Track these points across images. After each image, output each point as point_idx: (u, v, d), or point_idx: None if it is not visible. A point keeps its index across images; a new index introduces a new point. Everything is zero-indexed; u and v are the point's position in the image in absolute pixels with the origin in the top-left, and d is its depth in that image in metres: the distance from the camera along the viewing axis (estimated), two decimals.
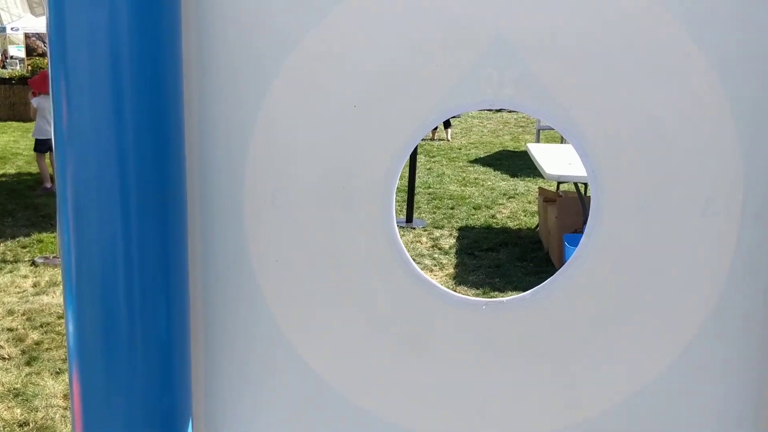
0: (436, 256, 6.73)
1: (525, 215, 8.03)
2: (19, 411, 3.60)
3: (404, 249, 1.95)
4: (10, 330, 4.62)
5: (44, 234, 6.89)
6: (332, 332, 2.01)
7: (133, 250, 1.77)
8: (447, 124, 13.79)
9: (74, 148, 1.72)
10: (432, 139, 13.50)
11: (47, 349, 4.35)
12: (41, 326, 4.69)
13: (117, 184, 1.73)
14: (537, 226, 7.47)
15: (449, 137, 13.75)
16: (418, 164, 8.83)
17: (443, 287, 1.99)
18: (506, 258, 6.67)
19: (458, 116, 15.03)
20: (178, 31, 1.78)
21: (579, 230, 5.96)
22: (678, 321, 1.96)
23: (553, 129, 12.03)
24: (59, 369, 4.09)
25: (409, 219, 7.77)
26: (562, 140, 11.68)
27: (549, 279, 1.95)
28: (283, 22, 1.84)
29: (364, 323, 1.99)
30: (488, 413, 2.03)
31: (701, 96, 1.84)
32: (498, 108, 1.94)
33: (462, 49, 1.84)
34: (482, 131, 14.94)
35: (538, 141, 11.32)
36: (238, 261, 1.97)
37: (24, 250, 6.46)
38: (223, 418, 2.07)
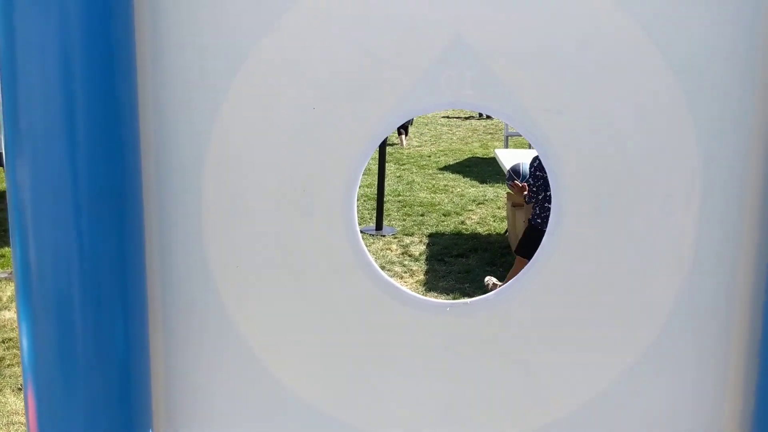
0: (406, 263, 6.72)
1: (494, 221, 8.07)
2: None
3: (367, 253, 1.93)
4: None
5: (5, 249, 6.76)
6: (296, 339, 1.98)
7: (87, 261, 1.73)
8: (402, 130, 13.70)
9: (25, 158, 1.68)
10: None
11: (9, 365, 4.25)
12: (3, 342, 4.59)
13: (70, 193, 1.70)
14: (506, 231, 7.50)
15: (404, 143, 13.71)
16: (387, 172, 8.83)
17: (407, 290, 1.98)
18: (476, 263, 6.69)
19: (411, 122, 14.93)
20: (132, 38, 1.75)
21: None
22: (642, 318, 1.97)
23: (521, 135, 12.11)
24: (21, 385, 4.01)
25: (379, 227, 7.76)
26: (529, 146, 11.78)
27: (512, 279, 1.95)
28: (236, 28, 1.81)
29: (327, 329, 1.97)
30: (454, 418, 2.02)
31: (658, 94, 1.85)
32: (461, 109, 1.94)
33: (420, 51, 1.83)
34: (451, 138, 15.00)
35: (506, 147, 11.39)
36: (197, 269, 1.94)
37: None
38: (185, 430, 2.03)
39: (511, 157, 6.95)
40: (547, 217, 5.14)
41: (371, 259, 1.94)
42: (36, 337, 1.77)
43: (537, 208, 5.33)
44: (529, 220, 5.48)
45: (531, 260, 1.95)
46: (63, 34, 1.63)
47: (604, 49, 1.83)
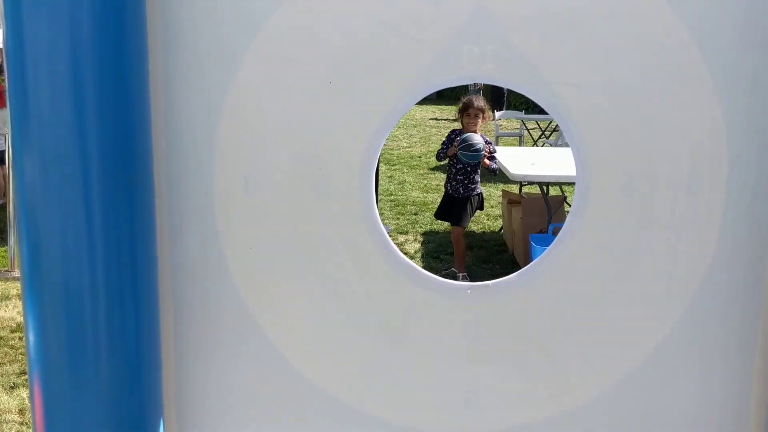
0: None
1: (488, 219, 8.02)
2: None
3: (385, 233, 1.86)
4: None
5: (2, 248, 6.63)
6: (312, 325, 1.91)
7: (98, 244, 1.65)
8: None
9: (33, 146, 1.60)
10: None
11: (0, 363, 4.13)
12: None
13: (80, 174, 1.62)
14: (501, 228, 7.46)
15: None
16: (379, 172, 8.77)
17: (427, 272, 1.91)
18: (472, 261, 6.63)
19: None
20: (142, 14, 1.68)
21: (544, 230, 5.95)
22: (663, 302, 1.91)
23: (512, 135, 12.08)
24: (13, 384, 3.89)
25: None
26: (520, 144, 11.77)
27: (535, 260, 1.89)
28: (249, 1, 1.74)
29: (344, 313, 1.90)
30: (475, 403, 1.95)
31: (682, 68, 1.80)
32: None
33: (440, 23, 1.77)
34: (441, 139, 14.93)
35: (497, 146, 11.36)
36: (209, 252, 1.86)
37: None
38: (195, 420, 1.95)
39: (506, 155, 6.91)
40: (454, 185, 5.75)
41: (390, 241, 1.88)
42: (44, 331, 1.68)
43: (450, 176, 5.87)
44: (444, 185, 6.02)
45: (555, 239, 1.89)
46: (73, 11, 1.55)
47: (627, 21, 1.77)
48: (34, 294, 1.66)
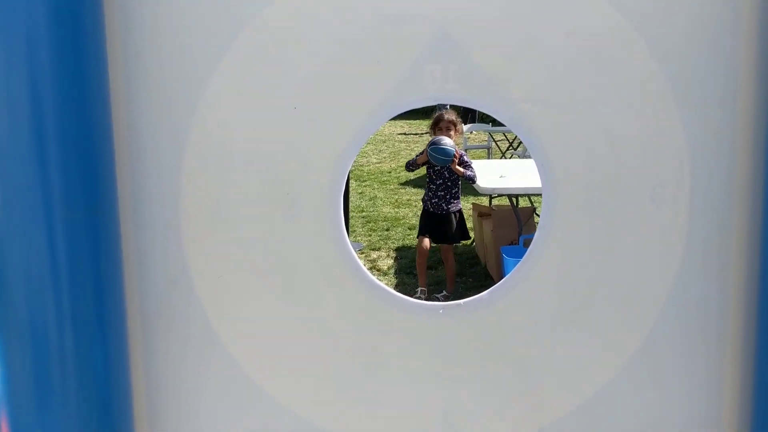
0: (375, 277, 6.65)
1: None
2: None
3: (355, 255, 1.86)
4: None
5: None
6: (284, 350, 1.90)
7: (63, 276, 1.63)
8: None
9: None
10: None
11: None
12: None
13: (41, 204, 1.60)
14: (473, 241, 7.49)
15: None
16: (349, 189, 8.77)
17: (398, 293, 1.91)
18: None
19: None
20: (103, 40, 1.66)
21: (515, 242, 5.99)
22: (635, 313, 1.93)
23: (480, 148, 12.13)
24: None
25: None
26: (488, 157, 11.85)
27: (506, 277, 1.90)
28: (213, 25, 1.74)
29: (316, 337, 1.89)
30: (451, 423, 1.95)
31: (644, 84, 1.83)
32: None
33: (403, 45, 1.78)
34: (410, 154, 14.98)
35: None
36: (178, 280, 1.84)
37: None
38: None
39: (474, 168, 6.95)
40: (436, 202, 5.70)
41: (360, 263, 1.87)
42: (10, 366, 1.65)
43: (431, 193, 5.82)
44: (423, 203, 5.98)
45: (524, 255, 1.90)
46: (29, 29, 1.53)
47: (590, 40, 1.80)
48: None
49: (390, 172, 12.52)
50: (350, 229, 7.94)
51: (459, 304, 1.91)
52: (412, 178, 11.71)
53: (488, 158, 11.72)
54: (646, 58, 1.81)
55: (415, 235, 7.92)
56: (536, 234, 1.89)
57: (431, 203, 5.83)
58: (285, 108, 1.78)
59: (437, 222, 5.85)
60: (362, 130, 1.81)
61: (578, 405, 1.93)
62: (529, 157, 9.65)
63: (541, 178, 1.87)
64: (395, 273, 6.76)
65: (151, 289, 1.84)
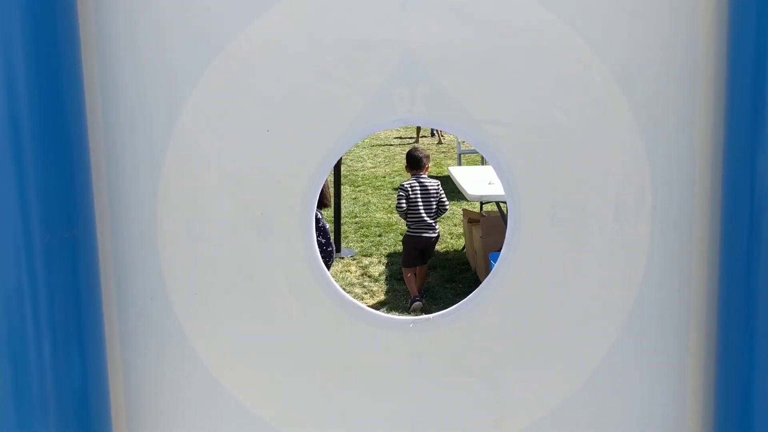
0: (366, 284, 6.70)
1: (451, 238, 8.11)
2: None
3: (327, 273, 1.92)
4: None
5: None
6: (258, 363, 1.96)
7: (41, 298, 1.67)
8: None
9: None
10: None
11: None
12: None
13: (20, 223, 1.65)
14: (464, 247, 7.55)
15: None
16: (342, 194, 8.82)
17: (368, 308, 1.97)
18: (436, 281, 6.71)
19: None
20: (79, 62, 1.72)
21: None
22: (599, 325, 1.99)
23: (474, 153, 12.15)
24: None
25: (338, 249, 7.73)
26: (482, 162, 11.90)
27: (473, 292, 1.96)
28: (187, 52, 1.81)
29: (289, 351, 1.95)
30: None
31: (604, 103, 1.89)
32: (415, 128, 1.95)
33: (371, 69, 1.84)
34: (405, 159, 15.06)
35: (459, 164, 11.49)
36: (155, 298, 1.90)
37: None
38: None
39: (464, 175, 7.02)
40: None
41: (331, 279, 1.93)
42: None
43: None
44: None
45: (492, 270, 1.96)
46: (4, 52, 1.58)
47: (549, 60, 1.86)
48: None
49: (384, 177, 12.56)
50: (343, 236, 8.00)
51: (429, 318, 1.97)
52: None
53: (482, 163, 11.78)
54: (607, 81, 1.87)
55: None
56: (502, 250, 1.95)
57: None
58: (258, 130, 1.85)
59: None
60: (333, 151, 1.87)
61: (542, 416, 1.99)
62: None
63: (506, 197, 1.93)
64: (386, 279, 6.82)
65: (130, 305, 1.90)
